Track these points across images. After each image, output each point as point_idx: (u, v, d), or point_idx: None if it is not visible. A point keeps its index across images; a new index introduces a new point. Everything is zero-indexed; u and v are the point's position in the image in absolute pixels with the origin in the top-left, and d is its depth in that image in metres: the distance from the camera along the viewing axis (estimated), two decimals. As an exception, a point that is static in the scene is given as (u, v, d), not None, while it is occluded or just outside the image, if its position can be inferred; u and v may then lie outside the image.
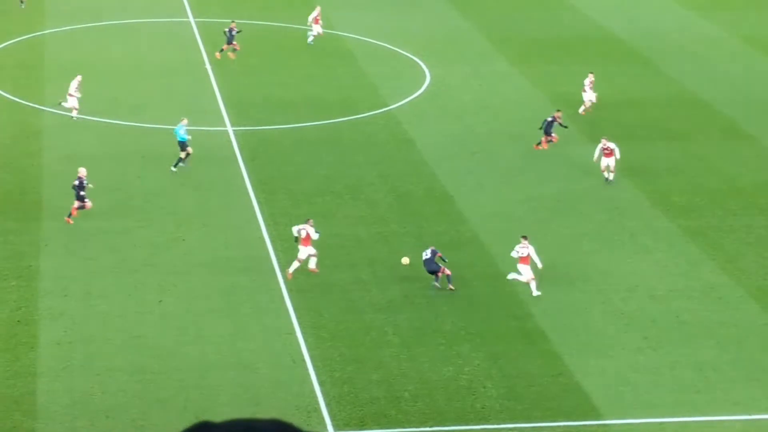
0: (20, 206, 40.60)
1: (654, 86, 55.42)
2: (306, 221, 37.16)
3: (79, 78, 49.08)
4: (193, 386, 30.77)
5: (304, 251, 36.57)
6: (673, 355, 33.01)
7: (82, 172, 39.77)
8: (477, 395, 30.83)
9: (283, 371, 31.68)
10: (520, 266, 35.79)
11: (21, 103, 48.54)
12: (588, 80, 51.05)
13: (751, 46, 61.77)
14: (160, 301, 35.16)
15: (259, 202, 41.85)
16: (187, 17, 64.46)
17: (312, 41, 59.90)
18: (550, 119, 47.05)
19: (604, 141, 44.08)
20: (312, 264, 36.86)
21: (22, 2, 64.74)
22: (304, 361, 32.15)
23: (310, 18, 60.48)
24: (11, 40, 54.46)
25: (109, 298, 35.13)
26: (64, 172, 43.33)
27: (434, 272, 35.93)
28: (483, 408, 30.35)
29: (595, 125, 49.92)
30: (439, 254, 36.12)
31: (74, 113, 48.57)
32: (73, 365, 31.61)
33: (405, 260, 36.66)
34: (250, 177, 43.96)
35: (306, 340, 33.14)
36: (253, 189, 42.88)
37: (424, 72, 56.35)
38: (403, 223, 40.55)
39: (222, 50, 57.16)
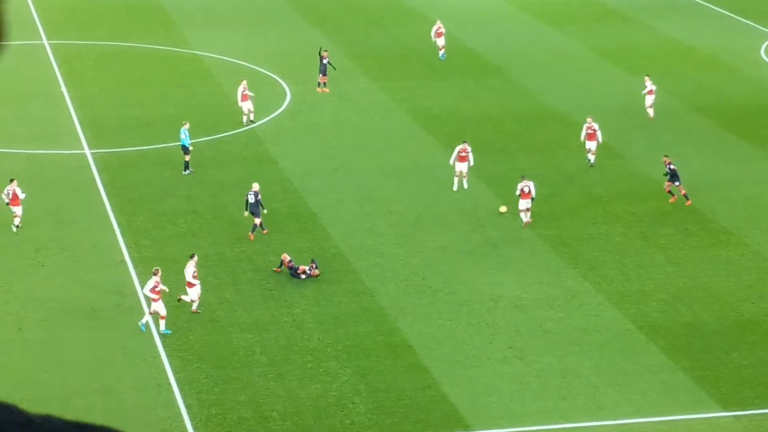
0: None
1: (511, 99, 56.14)
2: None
3: (244, 82, 50.90)
4: (57, 414, 30.01)
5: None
6: (538, 363, 33.45)
7: (256, 186, 40.67)
8: (346, 411, 30.81)
9: (148, 395, 31.24)
10: (521, 201, 41.16)
11: None
12: (648, 83, 52.22)
13: (605, 58, 63.05)
14: (20, 329, 34.38)
15: (120, 225, 41.23)
16: (41, 39, 63.29)
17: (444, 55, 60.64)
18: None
19: (589, 120, 47.39)
20: None
21: None
22: (169, 384, 31.76)
23: (433, 32, 61.02)
24: None
25: (-34, 327, 34.22)
26: None
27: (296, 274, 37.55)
28: (352, 424, 30.34)
29: (455, 137, 50.41)
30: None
31: (251, 116, 50.77)
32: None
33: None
34: (110, 199, 43.29)
35: (171, 363, 32.73)
36: (114, 212, 42.23)
37: (284, 90, 56.25)
38: (267, 241, 40.37)
39: (320, 84, 55.50)
